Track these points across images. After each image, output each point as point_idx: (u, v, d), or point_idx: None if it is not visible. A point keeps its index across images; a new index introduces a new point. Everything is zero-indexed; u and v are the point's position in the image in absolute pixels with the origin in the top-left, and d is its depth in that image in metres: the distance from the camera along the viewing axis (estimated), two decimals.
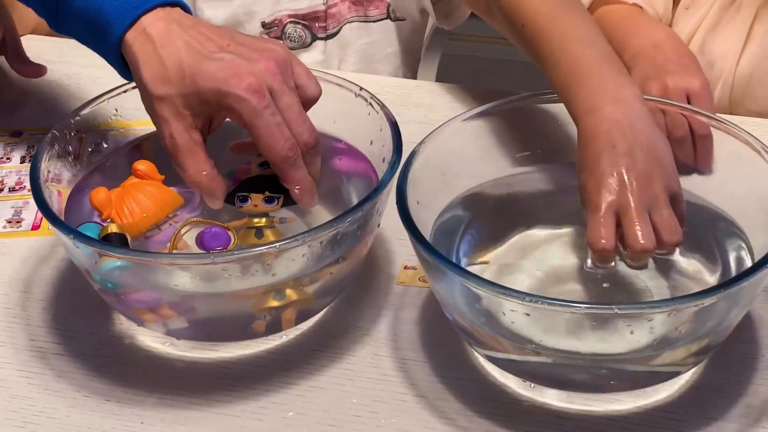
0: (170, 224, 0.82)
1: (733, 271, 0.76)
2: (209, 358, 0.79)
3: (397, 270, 0.86)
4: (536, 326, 0.69)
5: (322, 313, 0.83)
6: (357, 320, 0.82)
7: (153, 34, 0.77)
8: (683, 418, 0.73)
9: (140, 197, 0.80)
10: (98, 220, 0.79)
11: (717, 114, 0.84)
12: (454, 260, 0.79)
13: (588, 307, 0.66)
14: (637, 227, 0.70)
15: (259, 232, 0.79)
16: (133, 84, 0.87)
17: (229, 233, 0.78)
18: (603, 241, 0.70)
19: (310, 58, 1.16)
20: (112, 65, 0.81)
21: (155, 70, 0.76)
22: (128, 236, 0.78)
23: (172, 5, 0.79)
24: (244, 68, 0.75)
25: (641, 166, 0.71)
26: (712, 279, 0.77)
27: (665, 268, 0.78)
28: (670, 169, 0.74)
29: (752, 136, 0.78)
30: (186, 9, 0.80)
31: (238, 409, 0.75)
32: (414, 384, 0.77)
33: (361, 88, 0.86)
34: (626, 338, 0.68)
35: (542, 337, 0.69)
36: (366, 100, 0.85)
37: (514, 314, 0.68)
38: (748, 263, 0.76)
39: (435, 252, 0.70)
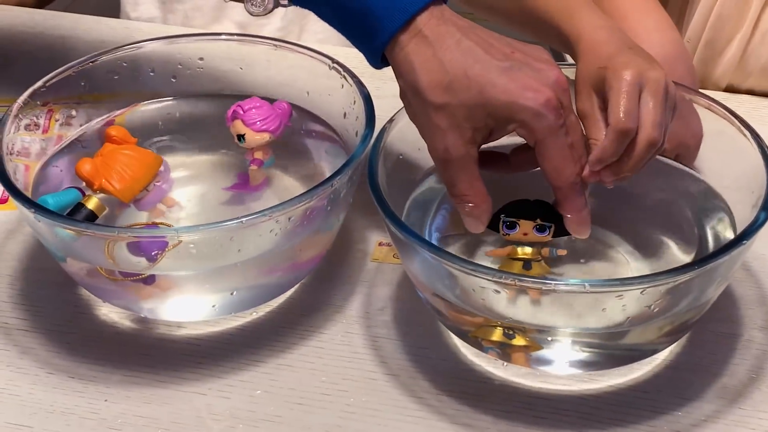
0: (155, 184, 0.80)
1: (711, 246, 0.75)
2: (177, 335, 0.78)
3: (372, 247, 0.85)
4: (507, 303, 0.68)
5: (293, 289, 0.81)
6: (329, 297, 0.81)
7: (430, 37, 0.69)
8: (657, 397, 0.71)
9: (125, 161, 0.79)
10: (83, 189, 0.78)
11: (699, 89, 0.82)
12: (427, 235, 0.77)
13: (558, 284, 0.64)
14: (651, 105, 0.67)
15: (527, 265, 0.73)
16: (106, 54, 0.86)
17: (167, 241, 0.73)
18: (623, 117, 0.66)
19: (270, 26, 1.14)
20: (368, 59, 0.73)
21: (435, 76, 0.68)
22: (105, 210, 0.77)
23: (440, 1, 0.71)
24: (537, 80, 0.68)
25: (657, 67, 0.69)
26: (690, 255, 0.76)
27: (644, 243, 0.77)
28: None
29: (732, 112, 0.76)
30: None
31: (204, 387, 0.74)
32: (385, 362, 0.75)
33: (335, 61, 0.84)
34: (598, 316, 0.66)
35: (514, 315, 0.68)
36: (339, 73, 0.83)
37: (484, 291, 0.67)
38: (727, 236, 0.75)
39: (401, 224, 0.68)
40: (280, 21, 1.16)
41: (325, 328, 0.78)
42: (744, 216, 0.72)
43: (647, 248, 0.77)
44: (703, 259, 0.66)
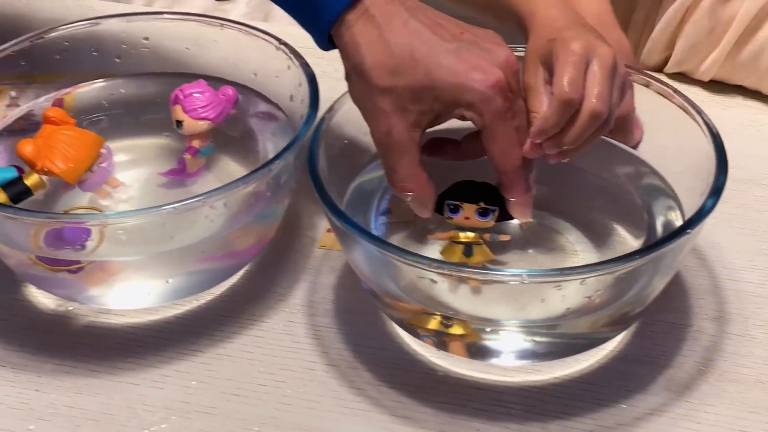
0: (98, 166, 0.78)
1: (660, 234, 0.73)
2: (113, 323, 0.76)
3: (320, 233, 0.82)
4: (448, 293, 0.66)
5: (237, 276, 0.79)
6: (273, 285, 0.78)
7: (377, 17, 0.67)
8: (602, 390, 0.69)
9: (68, 141, 0.76)
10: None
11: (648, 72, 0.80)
12: (372, 221, 0.75)
13: (496, 275, 0.62)
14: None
15: (468, 249, 0.71)
16: (46, 33, 0.84)
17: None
18: (567, 87, 0.64)
19: (235, 11, 1.12)
20: (315, 40, 0.70)
21: (381, 57, 0.66)
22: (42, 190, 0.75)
23: None
24: (486, 61, 0.66)
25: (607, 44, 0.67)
26: (640, 242, 0.74)
27: (593, 230, 0.75)
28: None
29: (684, 95, 0.74)
30: None
31: (138, 377, 0.71)
32: (326, 353, 0.73)
33: (281, 41, 0.81)
34: (537, 306, 0.64)
35: (452, 303, 0.66)
36: (286, 54, 0.81)
37: (423, 281, 0.65)
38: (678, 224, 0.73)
39: (339, 212, 0.66)
40: (245, 6, 1.14)
41: (268, 317, 0.76)
42: (694, 204, 0.70)
43: (596, 235, 0.75)
44: (645, 248, 0.64)
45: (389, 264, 0.66)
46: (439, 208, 0.71)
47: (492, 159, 0.68)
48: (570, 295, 0.63)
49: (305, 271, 0.80)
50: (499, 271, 0.63)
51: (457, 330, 0.66)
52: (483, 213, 0.70)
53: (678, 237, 0.63)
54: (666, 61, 0.99)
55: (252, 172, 0.70)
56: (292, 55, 0.80)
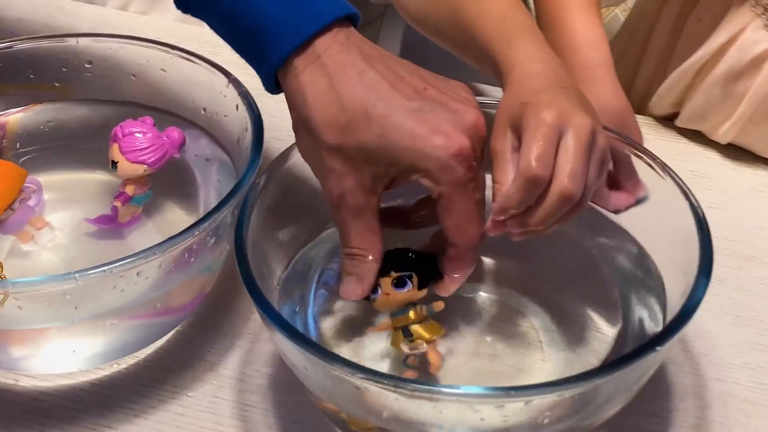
0: (19, 202, 0.71)
1: (636, 323, 0.64)
2: (21, 386, 0.68)
3: None
4: (375, 398, 0.57)
5: (166, 338, 0.71)
6: (203, 351, 0.71)
7: (329, 65, 0.58)
8: None
9: None
10: None
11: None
12: (312, 294, 0.67)
13: (425, 390, 0.53)
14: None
15: (406, 332, 0.61)
16: None
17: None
18: (534, 162, 0.56)
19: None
20: (262, 83, 0.62)
21: (331, 113, 0.58)
22: None
23: (346, 19, 0.60)
24: (450, 124, 0.58)
25: (588, 113, 0.59)
26: (613, 329, 0.65)
27: (561, 313, 0.67)
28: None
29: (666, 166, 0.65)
30: (356, 20, 0.61)
31: None
32: None
33: (231, 77, 0.73)
34: (475, 425, 0.55)
35: (384, 411, 0.57)
36: (236, 91, 0.72)
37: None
38: (657, 315, 0.64)
39: (266, 306, 0.57)
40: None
41: (192, 389, 0.68)
42: (678, 288, 0.61)
43: (565, 321, 0.66)
44: (605, 366, 0.55)
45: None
46: None
47: (446, 231, 0.60)
48: (512, 415, 0.55)
49: (242, 336, 0.72)
50: (430, 386, 0.54)
51: None
52: (399, 284, 0.61)
53: (644, 354, 0.54)
54: (674, 113, 0.90)
55: (166, 240, 0.61)
56: (239, 94, 0.72)
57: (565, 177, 0.56)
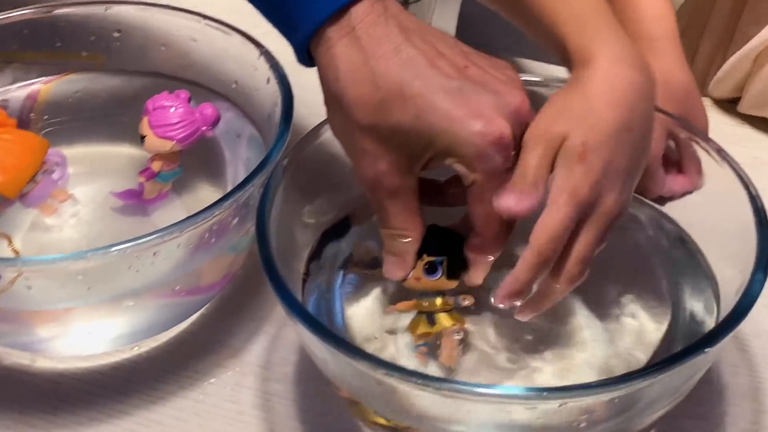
0: (42, 173, 0.68)
1: (687, 319, 0.60)
2: (36, 368, 0.65)
3: None
4: (398, 396, 0.53)
5: (188, 321, 0.68)
6: (227, 335, 0.67)
7: (363, 39, 0.54)
8: None
9: (6, 147, 0.67)
10: None
11: None
12: (339, 277, 0.63)
13: (451, 387, 0.49)
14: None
15: (430, 318, 0.59)
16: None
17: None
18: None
19: None
20: (295, 55, 0.57)
21: (364, 91, 0.53)
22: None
23: None
24: (491, 107, 0.53)
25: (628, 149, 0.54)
26: (660, 327, 0.60)
27: (605, 305, 0.62)
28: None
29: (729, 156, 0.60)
30: None
31: None
32: (272, 428, 0.62)
33: (263, 49, 0.69)
34: (504, 426, 0.51)
35: (408, 410, 0.53)
36: (267, 64, 0.69)
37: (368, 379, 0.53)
38: (712, 307, 0.59)
39: (289, 298, 0.54)
40: None
41: (214, 375, 0.65)
42: (729, 284, 0.56)
43: (609, 314, 0.61)
44: (649, 369, 0.50)
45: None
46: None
47: (473, 218, 0.56)
48: (546, 415, 0.50)
49: (268, 321, 0.68)
50: (457, 384, 0.50)
51: None
52: (430, 270, 0.57)
53: (692, 355, 0.50)
54: (735, 97, 0.84)
55: (184, 220, 0.58)
56: (272, 67, 0.68)
57: (574, 261, 0.54)
